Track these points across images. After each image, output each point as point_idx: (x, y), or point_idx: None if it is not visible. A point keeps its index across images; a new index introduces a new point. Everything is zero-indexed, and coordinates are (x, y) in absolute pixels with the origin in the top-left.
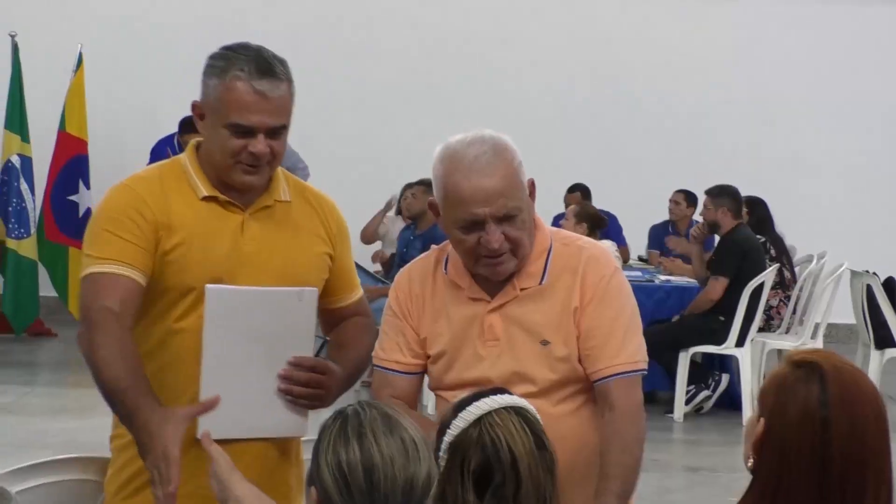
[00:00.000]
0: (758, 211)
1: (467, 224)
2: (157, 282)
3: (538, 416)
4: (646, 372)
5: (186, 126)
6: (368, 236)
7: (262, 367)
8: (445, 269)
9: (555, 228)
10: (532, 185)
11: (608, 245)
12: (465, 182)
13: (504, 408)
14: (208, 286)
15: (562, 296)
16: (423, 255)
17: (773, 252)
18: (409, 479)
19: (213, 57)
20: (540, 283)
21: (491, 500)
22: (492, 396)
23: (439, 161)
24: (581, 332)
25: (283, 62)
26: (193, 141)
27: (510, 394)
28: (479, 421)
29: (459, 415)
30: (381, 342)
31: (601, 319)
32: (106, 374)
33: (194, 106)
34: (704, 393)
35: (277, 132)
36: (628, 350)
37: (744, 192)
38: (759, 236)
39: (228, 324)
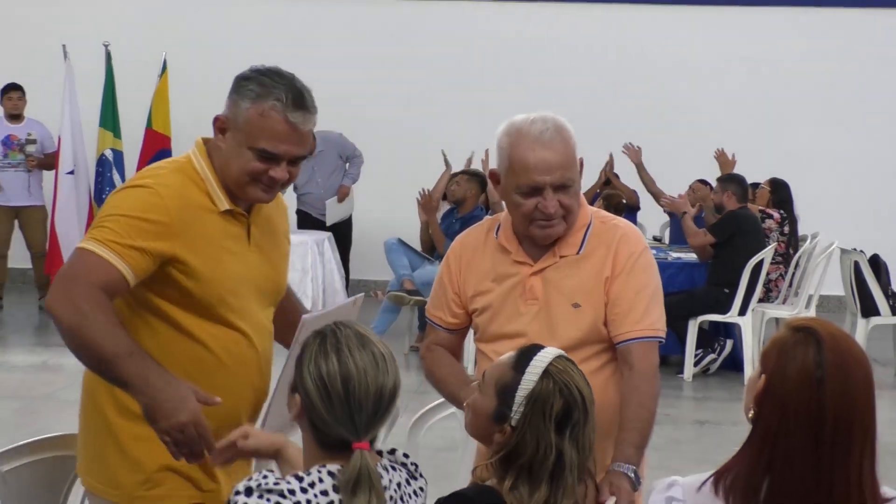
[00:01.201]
0: (780, 192)
1: (528, 190)
2: (173, 288)
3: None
4: (663, 340)
5: None
6: (437, 199)
7: None
8: (497, 234)
9: (594, 208)
10: (581, 163)
11: None
12: (531, 153)
13: (556, 358)
14: (305, 317)
15: (596, 266)
16: (476, 224)
17: (786, 229)
18: (380, 388)
19: (245, 79)
20: (577, 253)
21: (570, 437)
22: (542, 351)
23: (505, 135)
24: (609, 299)
25: (310, 92)
26: (201, 142)
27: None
28: (546, 373)
29: (526, 372)
30: (431, 297)
31: (628, 289)
32: (107, 341)
33: (218, 119)
34: (711, 356)
35: (299, 160)
36: (650, 318)
37: (752, 180)
38: (780, 209)
39: None
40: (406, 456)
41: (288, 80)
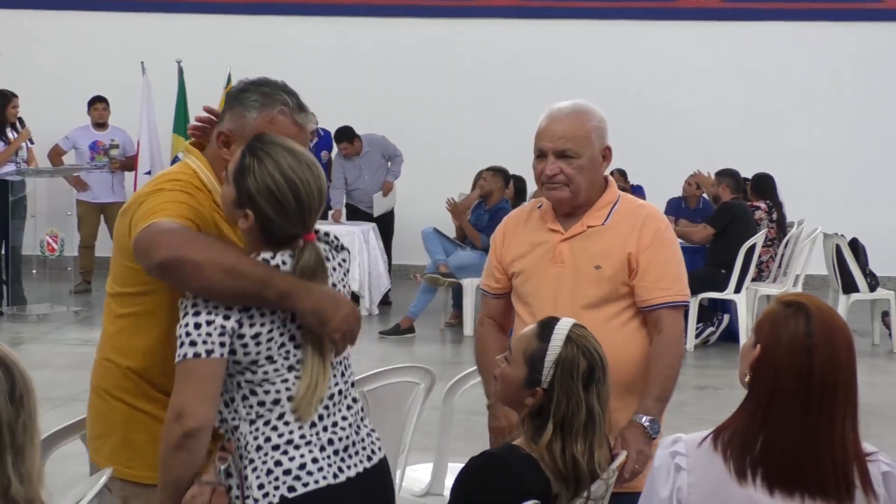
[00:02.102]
0: (765, 183)
1: (538, 153)
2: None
3: None
4: (688, 304)
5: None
6: (465, 207)
7: None
8: (539, 207)
9: (625, 193)
10: (606, 151)
11: None
12: (544, 123)
13: (572, 327)
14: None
15: (618, 237)
16: (526, 202)
17: (774, 216)
18: (319, 188)
19: (243, 92)
20: (603, 224)
21: (595, 393)
22: (560, 321)
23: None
24: (639, 269)
25: None
26: (199, 156)
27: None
28: (569, 339)
29: (550, 342)
30: (484, 270)
31: (658, 260)
32: (249, 264)
33: (221, 134)
34: (710, 329)
35: None
36: (678, 285)
37: (745, 174)
38: (768, 200)
39: None
40: (326, 235)
41: (284, 87)
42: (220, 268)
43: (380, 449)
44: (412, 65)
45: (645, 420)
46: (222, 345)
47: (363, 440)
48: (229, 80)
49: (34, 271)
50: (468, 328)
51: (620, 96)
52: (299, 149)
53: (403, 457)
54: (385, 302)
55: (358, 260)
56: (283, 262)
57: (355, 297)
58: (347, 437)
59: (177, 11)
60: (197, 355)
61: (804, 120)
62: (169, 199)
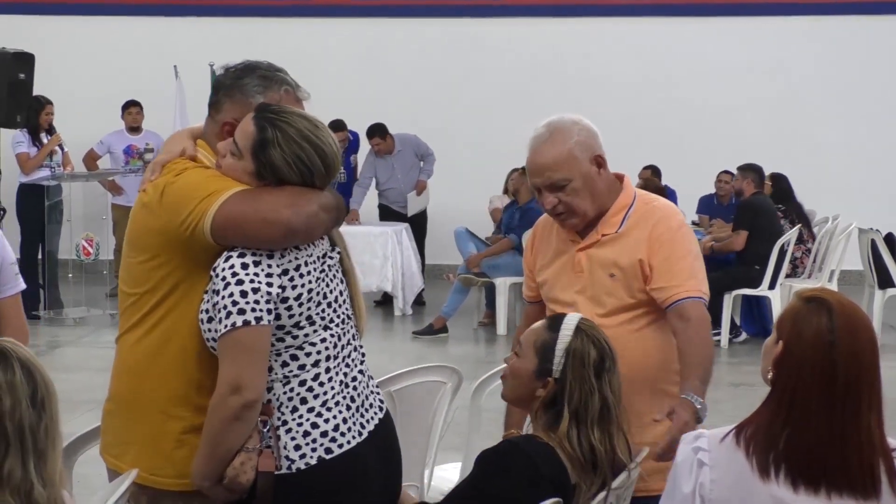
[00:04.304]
0: (780, 184)
1: (534, 189)
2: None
3: None
4: (707, 301)
5: (332, 127)
6: (498, 216)
7: None
8: None
9: (641, 191)
10: (598, 159)
11: None
12: (528, 157)
13: (580, 319)
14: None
15: (631, 244)
16: None
17: (794, 217)
18: (337, 151)
19: (240, 79)
20: (617, 231)
21: (606, 381)
22: (569, 314)
23: None
24: (653, 274)
25: None
26: (205, 145)
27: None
28: (578, 330)
29: (560, 332)
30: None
31: (671, 258)
32: (318, 196)
33: (227, 124)
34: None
35: None
36: (696, 280)
37: (778, 170)
38: (780, 205)
39: None
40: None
41: (274, 67)
42: (323, 208)
43: (381, 399)
44: (443, 65)
45: (696, 400)
46: (269, 312)
47: (373, 392)
48: None
49: (70, 275)
50: (501, 327)
51: (652, 93)
52: (308, 113)
53: (432, 456)
54: (419, 302)
55: (391, 260)
56: None
57: (387, 297)
58: (362, 393)
59: (209, 15)
60: (247, 323)
61: (838, 115)
62: (209, 175)
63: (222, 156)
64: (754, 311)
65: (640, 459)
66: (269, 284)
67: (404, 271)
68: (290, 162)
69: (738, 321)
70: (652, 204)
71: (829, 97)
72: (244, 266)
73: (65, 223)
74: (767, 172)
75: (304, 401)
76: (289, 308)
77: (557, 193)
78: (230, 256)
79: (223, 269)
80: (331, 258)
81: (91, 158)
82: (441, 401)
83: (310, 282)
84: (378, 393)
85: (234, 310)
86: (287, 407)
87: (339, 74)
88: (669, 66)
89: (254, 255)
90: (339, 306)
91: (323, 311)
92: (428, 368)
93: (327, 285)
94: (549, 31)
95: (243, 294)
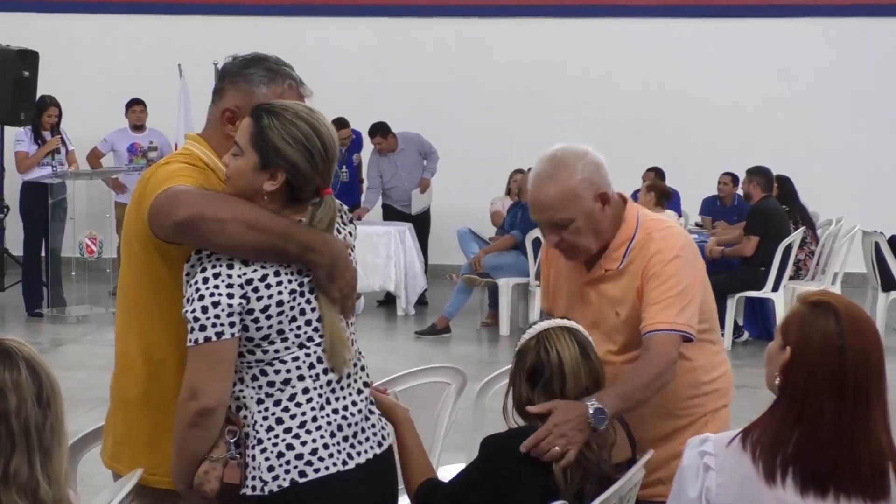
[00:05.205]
0: (785, 186)
1: (536, 223)
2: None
3: (588, 336)
4: (686, 334)
5: (335, 126)
6: (498, 219)
7: None
8: None
9: (644, 217)
10: (602, 196)
11: (670, 214)
12: (531, 193)
13: (559, 327)
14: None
15: (630, 279)
16: None
17: (798, 218)
18: (334, 139)
19: (246, 69)
20: (618, 267)
21: (541, 391)
22: (553, 320)
23: None
24: (641, 302)
25: None
26: (197, 136)
27: (570, 321)
28: (538, 335)
29: (527, 332)
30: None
31: (655, 291)
32: (268, 217)
33: (227, 110)
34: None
35: None
36: (671, 312)
37: (783, 172)
38: (785, 206)
39: None
40: (340, 205)
41: (281, 61)
42: (242, 223)
43: (389, 435)
44: (447, 65)
45: (592, 403)
46: (232, 325)
47: (373, 426)
48: None
49: (73, 273)
50: (504, 328)
51: (657, 94)
52: (302, 103)
53: (436, 457)
54: (421, 302)
55: (394, 260)
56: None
57: (390, 297)
58: (357, 424)
59: (213, 13)
60: (207, 339)
61: (842, 117)
62: (178, 170)
63: (226, 164)
64: (757, 312)
65: (643, 463)
66: (230, 296)
67: (407, 271)
68: (289, 141)
69: (740, 322)
70: (652, 235)
71: (833, 99)
72: (205, 280)
73: (68, 221)
74: (789, 171)
75: (279, 421)
76: (255, 320)
77: (560, 232)
78: (195, 270)
79: (189, 284)
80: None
81: (95, 156)
82: (445, 401)
83: (279, 293)
84: (384, 428)
85: (196, 326)
86: (262, 426)
87: (343, 73)
88: (675, 68)
89: (214, 266)
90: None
91: (299, 327)
92: (432, 369)
93: (308, 302)
94: (555, 31)
95: (204, 309)
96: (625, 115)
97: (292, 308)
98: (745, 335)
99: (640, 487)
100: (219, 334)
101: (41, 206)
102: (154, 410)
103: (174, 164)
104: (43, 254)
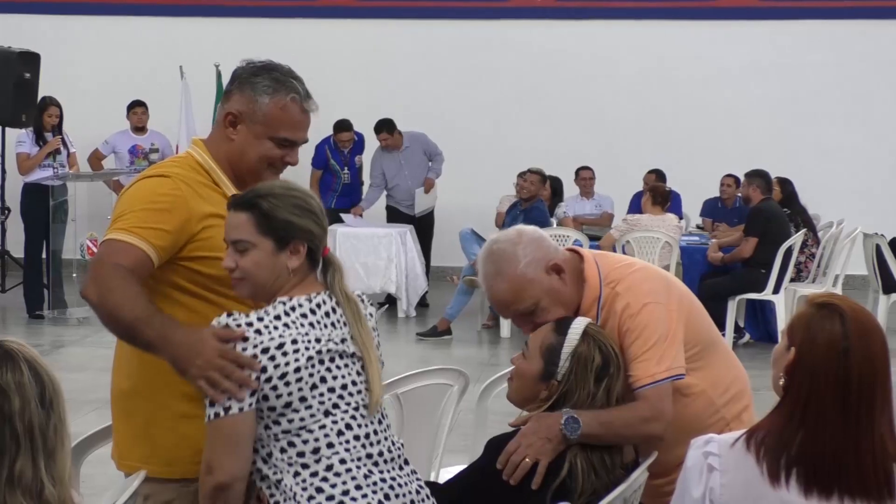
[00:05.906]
0: (786, 188)
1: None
2: (199, 264)
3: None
4: (676, 377)
5: (339, 127)
6: (500, 220)
7: None
8: None
9: (605, 266)
10: (554, 266)
11: (671, 218)
12: (487, 295)
13: (588, 324)
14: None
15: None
16: None
17: (798, 220)
18: (320, 204)
19: (255, 76)
20: None
21: (605, 386)
22: (575, 321)
23: None
24: (624, 360)
25: None
26: (199, 141)
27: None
28: (584, 335)
29: (567, 336)
30: None
31: (633, 346)
32: (126, 309)
33: (230, 114)
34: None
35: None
36: (650, 363)
37: (783, 174)
38: (786, 209)
39: None
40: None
41: (292, 73)
42: (106, 313)
43: (428, 496)
44: (450, 67)
45: (569, 416)
46: (240, 399)
47: (418, 493)
48: None
49: (74, 275)
50: (505, 330)
51: (659, 96)
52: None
53: (438, 459)
54: (422, 304)
55: (395, 262)
56: (299, 305)
57: (392, 300)
58: (405, 496)
59: (215, 15)
60: (217, 415)
61: (844, 119)
62: (142, 195)
63: (230, 268)
64: (758, 315)
65: (646, 466)
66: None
67: (408, 273)
68: (296, 213)
69: (741, 324)
70: (615, 288)
71: (834, 101)
72: None
73: (69, 223)
74: (773, 177)
75: (320, 490)
76: (274, 388)
77: (530, 318)
78: None
79: None
80: (336, 344)
81: (96, 158)
82: (447, 403)
83: (296, 360)
84: (427, 498)
85: (207, 401)
86: (303, 497)
87: (346, 76)
88: (677, 69)
89: None
90: (352, 396)
91: (321, 394)
92: (435, 371)
93: (329, 370)
94: (557, 33)
95: None
96: (627, 116)
97: (311, 375)
98: (746, 337)
99: (661, 496)
100: (226, 409)
101: (42, 208)
102: (145, 402)
103: (149, 179)
104: (44, 255)
